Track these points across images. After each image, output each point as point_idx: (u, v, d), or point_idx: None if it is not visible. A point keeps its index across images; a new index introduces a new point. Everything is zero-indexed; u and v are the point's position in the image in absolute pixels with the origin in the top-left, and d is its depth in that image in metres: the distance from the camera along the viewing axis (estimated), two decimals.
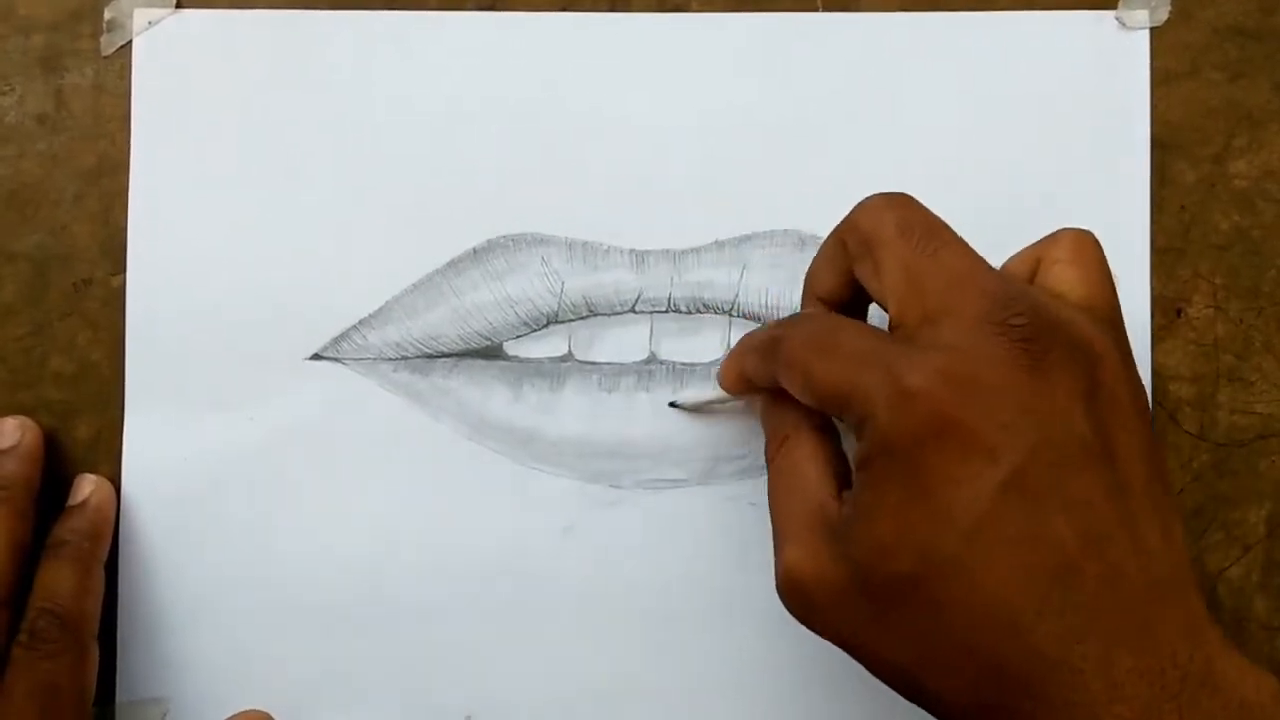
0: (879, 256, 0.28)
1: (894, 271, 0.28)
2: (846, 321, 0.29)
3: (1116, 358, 0.27)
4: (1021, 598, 0.25)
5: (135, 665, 0.35)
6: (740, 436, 0.35)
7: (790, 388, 0.29)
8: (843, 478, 0.29)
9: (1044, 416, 0.26)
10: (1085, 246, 0.30)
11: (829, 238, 0.30)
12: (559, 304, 0.35)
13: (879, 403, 0.26)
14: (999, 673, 0.25)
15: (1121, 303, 0.35)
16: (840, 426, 0.31)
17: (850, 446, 0.28)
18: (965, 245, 0.28)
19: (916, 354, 0.26)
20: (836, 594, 0.27)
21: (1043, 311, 0.27)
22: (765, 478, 0.35)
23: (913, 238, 0.28)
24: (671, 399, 0.35)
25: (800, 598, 0.28)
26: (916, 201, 0.29)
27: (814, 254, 0.35)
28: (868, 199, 0.30)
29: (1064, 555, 0.25)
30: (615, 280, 0.35)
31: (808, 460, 0.29)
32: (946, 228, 0.29)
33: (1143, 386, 0.28)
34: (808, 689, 0.35)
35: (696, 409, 0.35)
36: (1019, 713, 0.25)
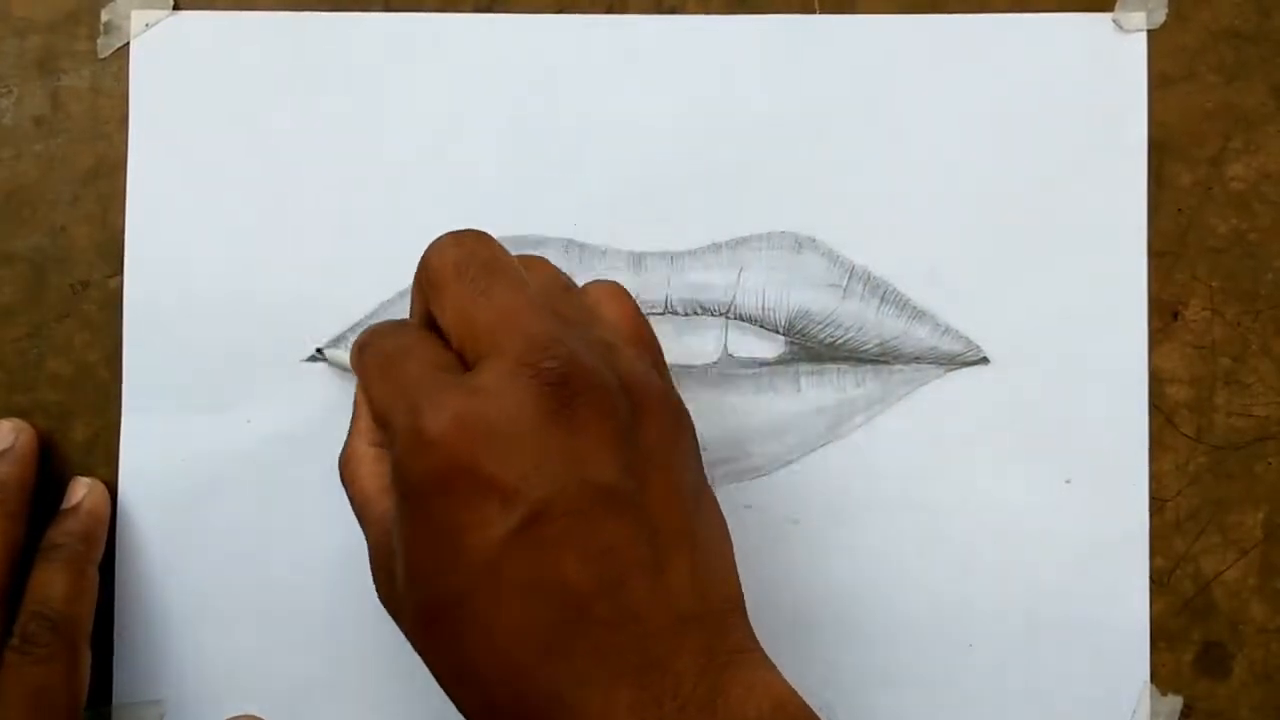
0: (440, 296, 0.28)
1: (450, 311, 0.28)
2: (421, 342, 0.29)
3: (656, 396, 0.28)
4: (526, 641, 0.25)
5: (132, 667, 0.35)
6: (735, 440, 0.35)
7: (362, 394, 0.31)
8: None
9: (567, 464, 0.26)
10: (616, 293, 0.31)
11: (415, 273, 0.30)
12: None
13: (399, 442, 0.27)
14: (505, 708, 0.26)
15: (1119, 306, 0.35)
16: None
17: None
18: (523, 284, 0.28)
19: (447, 395, 0.26)
20: (395, 601, 0.28)
21: (579, 356, 0.26)
22: (760, 480, 0.35)
23: (467, 276, 0.28)
24: (319, 347, 0.35)
25: (382, 598, 0.29)
26: (485, 238, 0.29)
27: (811, 256, 0.35)
28: (439, 237, 0.29)
29: (574, 601, 0.25)
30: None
31: (371, 475, 0.30)
32: (509, 266, 0.29)
33: (685, 413, 0.29)
34: (801, 688, 0.35)
35: (339, 367, 0.35)
36: None
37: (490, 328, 0.27)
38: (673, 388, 0.29)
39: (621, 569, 0.26)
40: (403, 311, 0.35)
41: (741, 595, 0.28)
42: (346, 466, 0.31)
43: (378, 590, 0.29)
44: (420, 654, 0.28)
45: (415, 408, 0.26)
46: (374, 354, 0.29)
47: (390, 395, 0.28)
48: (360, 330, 0.35)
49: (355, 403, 0.32)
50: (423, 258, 0.29)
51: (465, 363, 0.28)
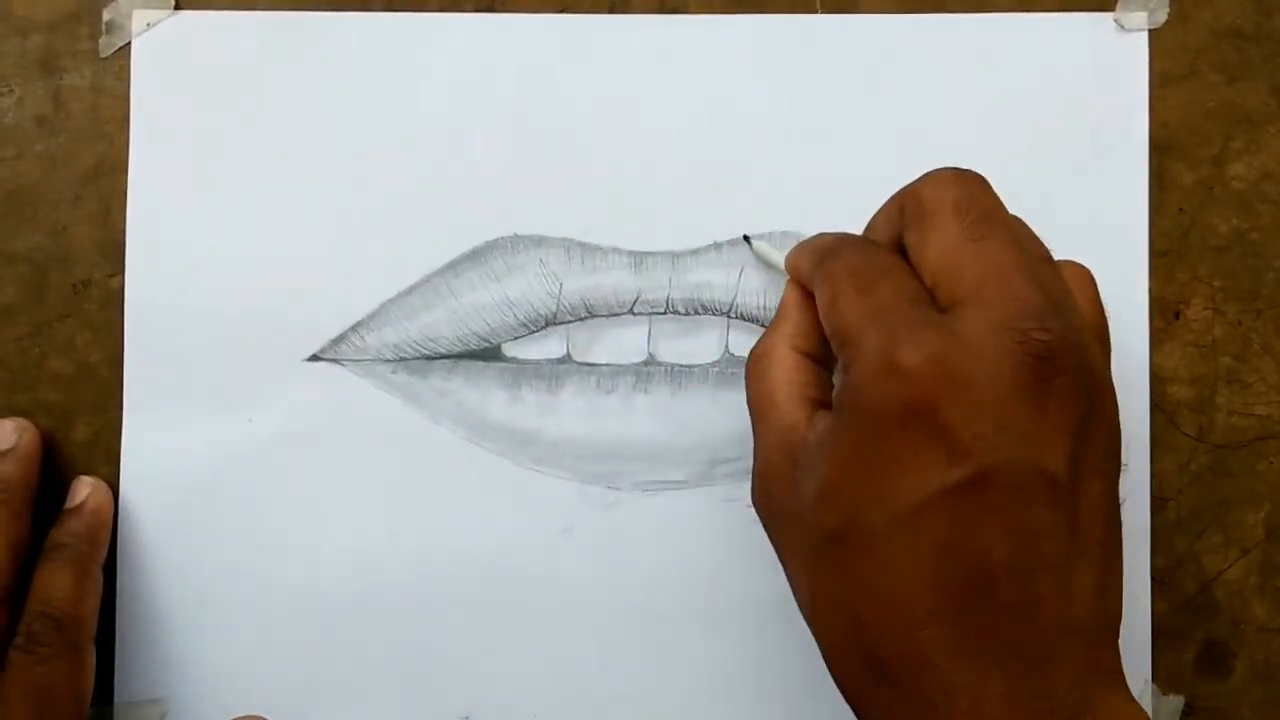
0: (926, 230, 0.28)
1: (935, 248, 0.27)
2: (896, 267, 0.28)
3: (1111, 401, 0.27)
4: (921, 597, 0.25)
5: (133, 666, 0.35)
6: (738, 439, 0.35)
7: (818, 302, 0.29)
8: (817, 399, 0.29)
9: (1023, 440, 0.25)
10: (1090, 281, 0.30)
11: (892, 197, 0.29)
12: (557, 305, 0.35)
13: (864, 363, 0.26)
14: (871, 652, 0.26)
15: (1120, 305, 0.35)
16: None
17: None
18: (1016, 239, 0.27)
19: (927, 332, 0.26)
20: (786, 514, 0.28)
21: (1069, 335, 0.26)
22: None
23: (965, 219, 0.27)
24: (747, 234, 0.35)
25: (761, 507, 0.29)
26: (986, 184, 0.28)
27: None
28: (938, 170, 0.29)
29: (984, 573, 0.25)
30: (614, 282, 0.35)
31: (784, 383, 0.29)
32: (1005, 217, 0.28)
33: (1119, 424, 0.28)
34: (805, 689, 0.35)
35: (763, 260, 0.35)
36: (877, 696, 0.26)
37: (979, 278, 0.26)
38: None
39: (1038, 558, 0.25)
40: (410, 308, 0.35)
41: (1120, 621, 0.28)
42: (759, 362, 0.30)
43: (755, 493, 0.29)
44: (792, 569, 0.28)
45: (891, 334, 0.26)
46: (845, 266, 0.28)
47: (862, 313, 0.27)
48: (359, 331, 0.35)
49: (784, 304, 0.31)
50: (914, 186, 0.29)
51: (936, 302, 0.27)
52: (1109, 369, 0.28)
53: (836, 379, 0.28)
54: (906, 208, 0.29)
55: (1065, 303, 0.27)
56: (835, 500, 0.26)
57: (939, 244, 0.27)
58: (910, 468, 0.25)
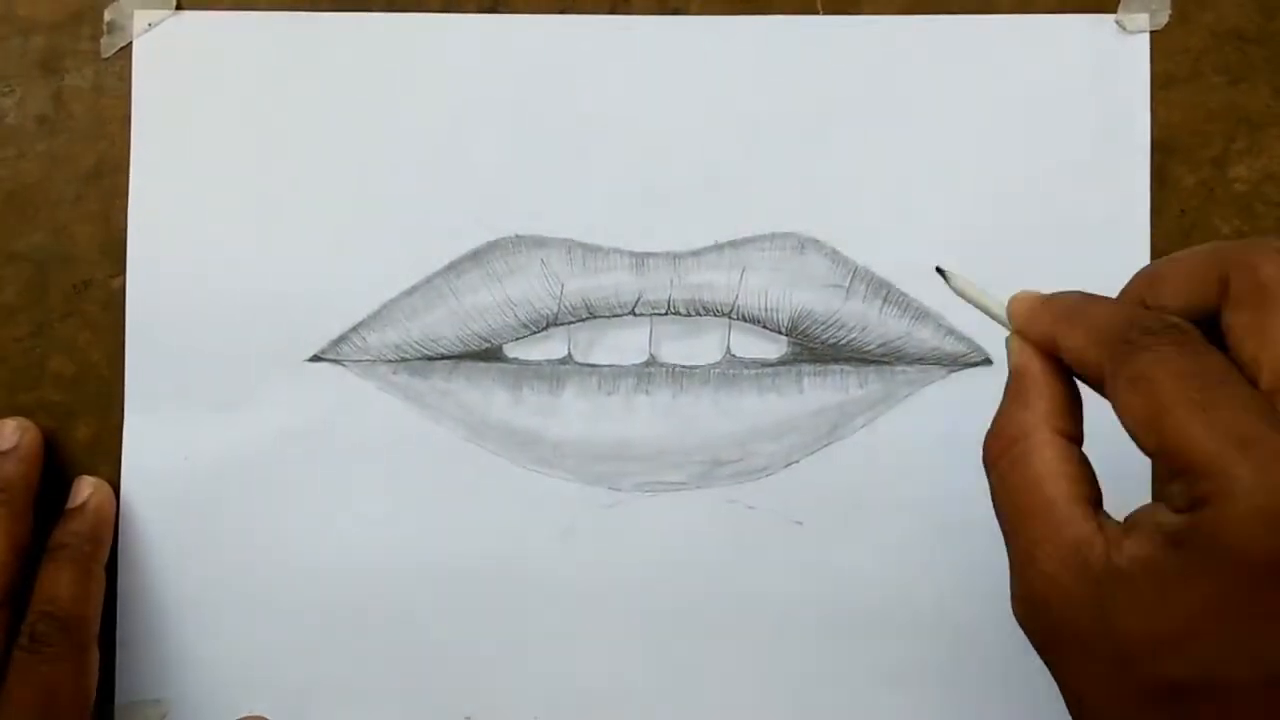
0: (1271, 317, 0.24)
1: None
2: (1232, 373, 0.24)
3: None
4: None
5: (134, 666, 0.35)
6: (738, 440, 0.35)
7: (1119, 406, 0.24)
8: (1094, 497, 0.26)
9: None
10: None
11: (1203, 253, 0.26)
12: (559, 306, 0.35)
13: (1243, 504, 0.22)
14: None
15: None
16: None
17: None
18: None
19: None
20: (1086, 640, 0.24)
21: None
22: (764, 481, 0.35)
23: None
24: (940, 267, 0.30)
25: (1042, 627, 0.25)
26: None
27: (813, 257, 0.35)
28: (1275, 241, 0.25)
29: None
30: (615, 283, 0.35)
31: (1053, 477, 0.25)
32: None
33: None
34: (805, 689, 0.35)
35: (962, 294, 0.30)
36: None
37: None
38: None
39: None
40: (411, 309, 0.35)
41: None
42: (1013, 446, 0.26)
43: (1024, 605, 0.26)
44: (1090, 703, 0.25)
45: (1270, 475, 0.22)
46: (1170, 370, 0.24)
47: (1216, 437, 0.22)
48: (360, 332, 0.35)
49: (1026, 372, 0.27)
50: (1247, 256, 0.25)
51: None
52: None
53: (1171, 493, 0.24)
54: (1236, 281, 0.25)
55: None
56: (1187, 650, 0.23)
57: None
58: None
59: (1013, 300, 0.28)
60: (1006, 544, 0.26)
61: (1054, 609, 0.25)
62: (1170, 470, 0.24)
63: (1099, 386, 0.26)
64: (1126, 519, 0.25)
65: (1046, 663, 0.26)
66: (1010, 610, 0.34)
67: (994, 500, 0.26)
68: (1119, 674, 0.24)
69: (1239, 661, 0.23)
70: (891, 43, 0.36)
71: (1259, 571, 0.22)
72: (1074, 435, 0.26)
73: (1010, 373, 0.27)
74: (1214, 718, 0.23)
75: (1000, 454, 0.26)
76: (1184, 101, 0.36)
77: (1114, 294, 0.36)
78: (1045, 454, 0.25)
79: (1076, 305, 0.27)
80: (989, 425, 0.27)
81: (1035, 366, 0.27)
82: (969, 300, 0.29)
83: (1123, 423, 0.24)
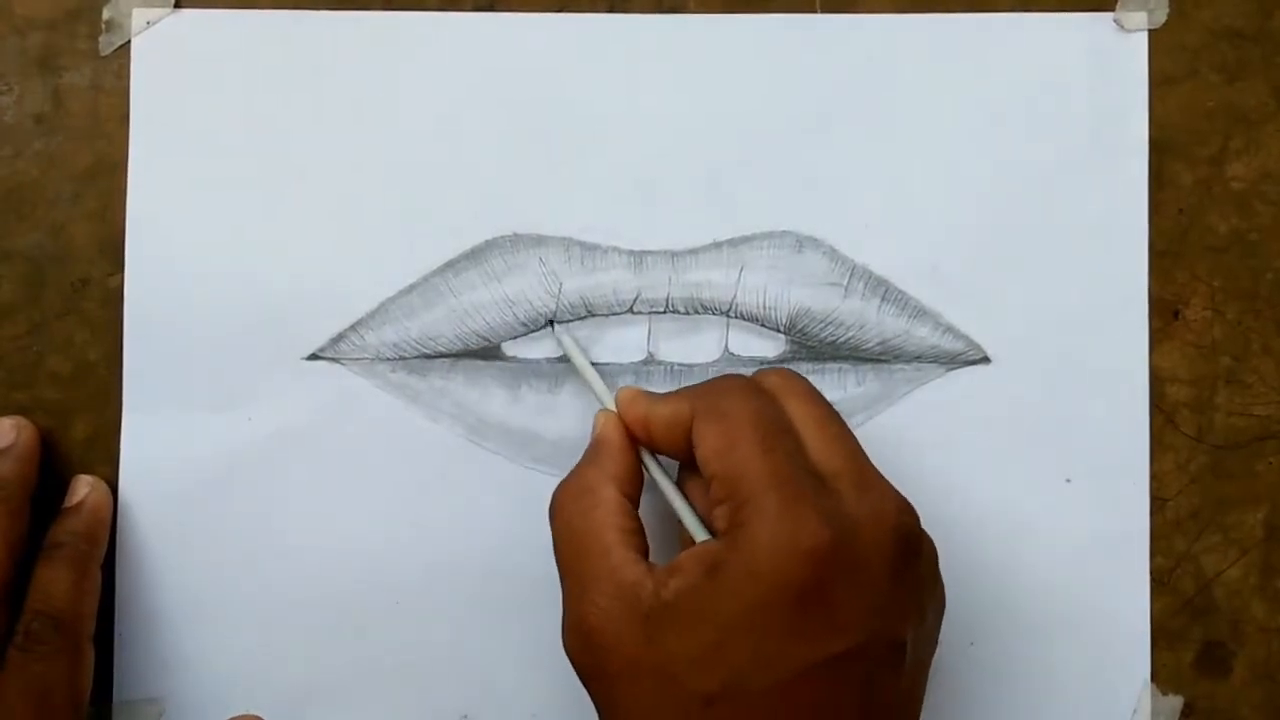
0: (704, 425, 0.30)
1: (817, 437, 0.30)
2: (791, 430, 0.30)
3: (941, 584, 0.31)
4: None
5: (132, 665, 0.35)
6: None
7: (698, 435, 0.30)
8: (643, 548, 0.30)
9: (889, 616, 0.28)
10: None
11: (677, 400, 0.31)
12: (557, 304, 0.35)
13: (766, 533, 0.27)
14: None
15: (1119, 305, 0.36)
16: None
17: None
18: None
19: (827, 514, 0.27)
20: (634, 670, 0.28)
21: (917, 518, 0.30)
22: None
23: (823, 404, 0.31)
24: (553, 320, 0.35)
25: (592, 660, 0.29)
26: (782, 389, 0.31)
27: (812, 255, 0.35)
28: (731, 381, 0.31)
29: None
30: (613, 281, 0.35)
31: (613, 527, 0.30)
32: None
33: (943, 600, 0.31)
34: None
35: (574, 363, 0.34)
36: None
37: (853, 460, 0.29)
38: None
39: (887, 713, 0.28)
40: (410, 307, 0.35)
41: None
42: (580, 499, 0.31)
43: (578, 643, 0.29)
44: (633, 717, 0.28)
45: (796, 511, 0.27)
46: (748, 412, 0.29)
47: (764, 472, 0.28)
48: (358, 330, 0.35)
49: (605, 439, 0.32)
50: (759, 377, 0.32)
51: (818, 475, 0.29)
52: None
53: (716, 516, 0.29)
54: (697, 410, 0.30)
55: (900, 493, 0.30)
56: (714, 663, 0.27)
57: (826, 436, 0.30)
58: (795, 638, 0.27)
59: (620, 390, 0.33)
60: (562, 581, 0.30)
61: (607, 640, 0.28)
62: (723, 495, 0.28)
63: (674, 449, 0.31)
64: (670, 564, 0.29)
65: (592, 692, 0.29)
66: (1009, 607, 0.34)
67: (555, 542, 0.31)
68: (662, 693, 0.28)
69: (756, 670, 0.27)
70: (889, 41, 0.36)
71: (776, 589, 0.27)
72: (633, 496, 0.31)
73: (592, 441, 0.32)
74: (717, 714, 0.27)
75: (569, 501, 0.31)
76: (1182, 100, 0.36)
77: (1113, 293, 0.36)
78: (609, 507, 0.30)
79: (655, 398, 0.32)
80: (563, 479, 0.32)
81: (612, 435, 0.32)
82: (576, 364, 0.34)
83: (696, 450, 0.29)
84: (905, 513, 0.29)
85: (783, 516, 0.27)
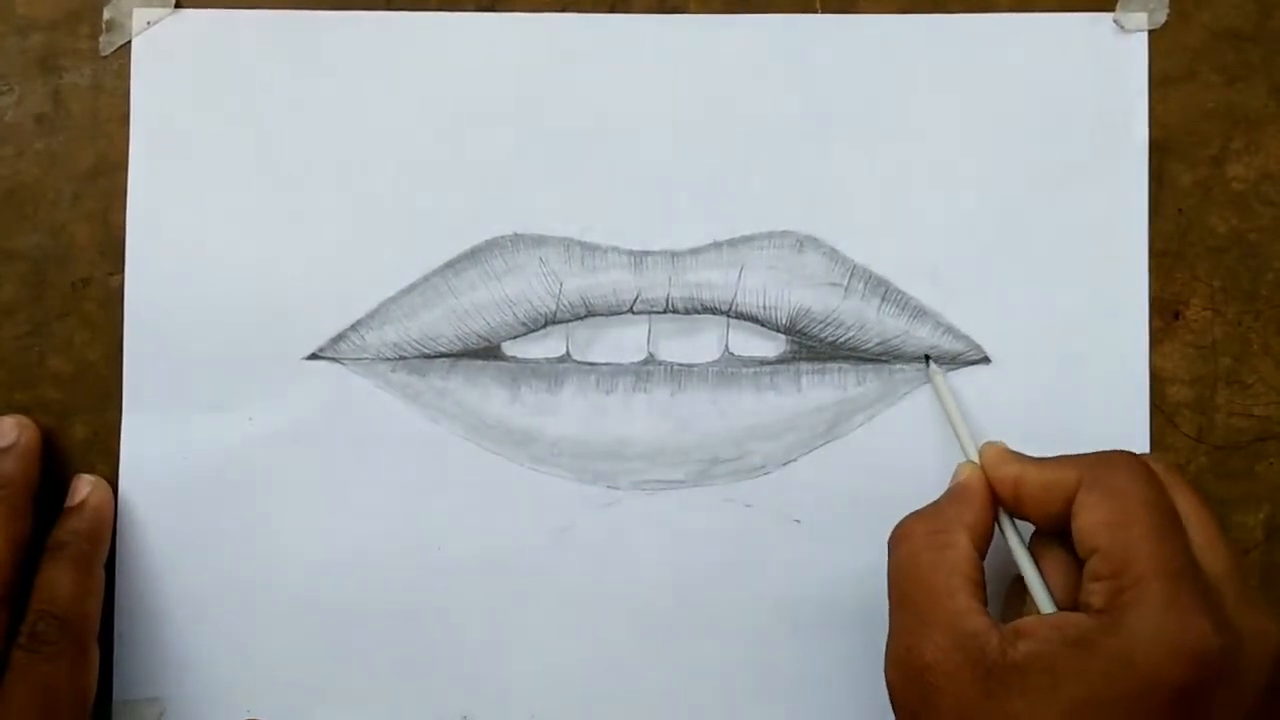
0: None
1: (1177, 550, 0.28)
2: (1181, 525, 0.29)
3: None
4: None
5: (132, 665, 0.35)
6: (736, 438, 0.35)
7: (1087, 503, 0.29)
8: (986, 602, 0.29)
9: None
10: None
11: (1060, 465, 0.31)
12: (557, 304, 0.35)
13: (1152, 627, 0.26)
14: None
15: (1119, 305, 0.36)
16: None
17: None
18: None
19: (1218, 622, 0.27)
20: (960, 712, 0.28)
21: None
22: (762, 479, 0.35)
23: (1207, 503, 0.30)
24: (934, 367, 0.35)
25: (917, 695, 0.28)
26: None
27: (812, 255, 0.35)
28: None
29: None
30: (613, 281, 0.35)
31: (963, 572, 0.29)
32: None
33: None
34: (803, 688, 0.35)
35: (941, 397, 0.34)
36: None
37: (1236, 566, 0.28)
38: None
39: None
40: (410, 307, 0.35)
41: None
42: (933, 536, 0.30)
43: (902, 675, 0.29)
44: None
45: (1187, 608, 0.26)
46: (1141, 497, 0.28)
47: (1157, 557, 0.27)
48: (358, 330, 0.35)
49: (967, 488, 0.31)
50: (1147, 460, 0.30)
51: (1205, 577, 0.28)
52: None
53: (1091, 590, 0.28)
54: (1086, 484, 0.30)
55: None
56: None
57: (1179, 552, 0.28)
58: None
59: (987, 446, 0.32)
60: (895, 610, 0.30)
61: (940, 681, 0.28)
62: (1106, 572, 0.28)
63: (1041, 514, 0.30)
64: (1014, 625, 0.28)
65: (904, 712, 0.29)
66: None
67: (895, 570, 0.30)
68: None
69: None
70: (890, 42, 0.36)
71: (1147, 686, 0.26)
72: (983, 551, 0.30)
73: (955, 485, 0.32)
74: None
75: (923, 533, 0.30)
76: (1182, 100, 0.36)
77: (1113, 293, 0.36)
78: (962, 552, 0.29)
79: (1041, 470, 0.31)
80: (914, 514, 0.31)
81: (975, 486, 0.31)
82: (947, 413, 0.34)
83: (1077, 519, 0.29)
84: (1278, 629, 0.28)
85: (1172, 611, 0.26)
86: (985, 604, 0.29)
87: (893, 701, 0.29)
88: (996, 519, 0.31)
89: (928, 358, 0.35)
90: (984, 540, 0.31)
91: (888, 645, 0.30)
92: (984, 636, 0.28)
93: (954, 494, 0.31)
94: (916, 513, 0.31)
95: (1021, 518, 0.31)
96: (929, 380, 0.35)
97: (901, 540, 0.31)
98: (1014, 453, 0.32)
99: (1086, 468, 0.30)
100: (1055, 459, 0.31)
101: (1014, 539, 0.31)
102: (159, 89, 0.35)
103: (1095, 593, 0.28)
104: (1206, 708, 0.26)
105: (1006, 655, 0.27)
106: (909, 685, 0.29)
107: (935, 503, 0.31)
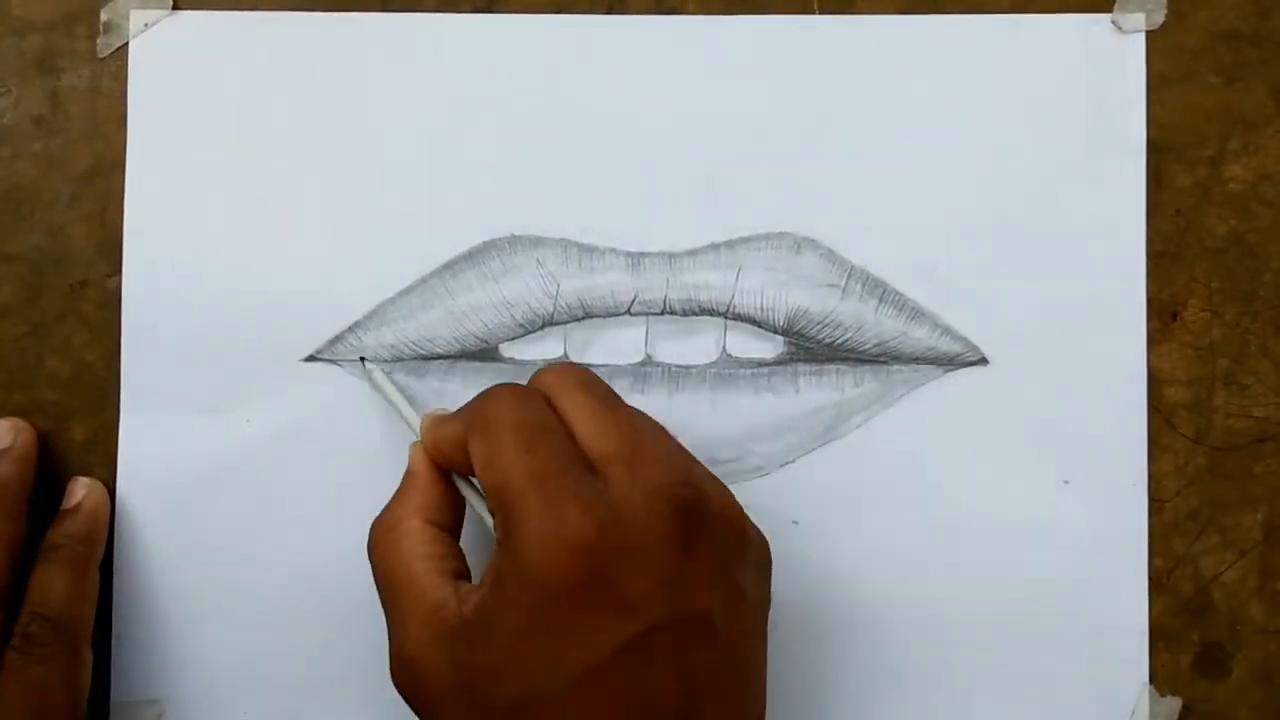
0: (564, 399, 0.30)
1: (581, 413, 0.29)
2: (556, 426, 0.29)
3: (753, 538, 0.30)
4: None
5: (130, 667, 0.35)
6: (734, 440, 0.35)
7: (475, 455, 0.29)
8: (457, 571, 0.30)
9: (681, 589, 0.27)
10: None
11: (536, 378, 0.31)
12: (554, 306, 0.35)
13: (532, 533, 0.27)
14: None
15: (1117, 306, 0.36)
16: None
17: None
18: (636, 413, 0.30)
19: (590, 502, 0.27)
20: (447, 695, 0.28)
21: (707, 488, 0.29)
22: (760, 480, 0.35)
23: (596, 392, 0.30)
24: (369, 368, 0.35)
25: (413, 690, 0.29)
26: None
27: (809, 256, 0.35)
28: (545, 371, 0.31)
29: (659, 717, 0.27)
30: (611, 282, 0.35)
31: (420, 557, 0.30)
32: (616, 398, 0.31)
33: (768, 552, 0.31)
34: (801, 688, 0.35)
35: (384, 398, 0.34)
36: None
37: (626, 441, 0.29)
38: (754, 525, 0.30)
39: (703, 695, 0.27)
40: (407, 309, 0.35)
41: None
42: (388, 535, 0.30)
43: (400, 675, 0.29)
44: None
45: (557, 506, 0.27)
46: (508, 419, 0.29)
47: (524, 474, 0.28)
48: (356, 332, 0.35)
49: (412, 473, 0.31)
50: (535, 377, 0.31)
51: (587, 465, 0.28)
52: (740, 508, 0.30)
53: (496, 525, 0.28)
54: (540, 383, 0.31)
55: (691, 457, 0.30)
56: (510, 673, 0.27)
57: (581, 409, 0.29)
58: (583, 631, 0.27)
59: (423, 417, 0.32)
60: (387, 617, 0.30)
61: (421, 668, 0.28)
62: (495, 504, 0.28)
63: (466, 467, 0.30)
64: (466, 585, 0.29)
65: (420, 716, 0.29)
66: (1008, 609, 0.34)
67: (374, 576, 0.30)
68: (470, 713, 0.27)
69: (548, 672, 0.27)
70: (887, 42, 0.36)
71: (550, 588, 0.27)
72: (444, 524, 0.31)
73: (405, 475, 0.32)
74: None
75: (379, 539, 0.30)
76: (1180, 101, 0.36)
77: (1111, 294, 0.36)
78: (416, 537, 0.30)
79: (483, 396, 0.31)
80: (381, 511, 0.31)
81: (419, 468, 0.31)
82: (386, 399, 0.34)
83: (473, 463, 0.29)
84: (684, 484, 0.28)
85: (544, 516, 0.27)
86: (462, 575, 0.30)
87: (411, 708, 0.29)
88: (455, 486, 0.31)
89: (363, 359, 0.35)
90: (444, 513, 0.31)
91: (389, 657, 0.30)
92: (444, 605, 0.28)
93: (401, 484, 0.32)
94: (374, 520, 0.31)
95: (462, 474, 0.31)
96: (367, 377, 0.35)
97: (369, 551, 0.31)
98: (440, 416, 0.32)
99: (468, 410, 0.30)
100: (456, 410, 0.31)
101: (471, 496, 0.31)
102: (156, 91, 0.35)
103: (497, 527, 0.28)
104: (608, 587, 0.27)
105: (461, 614, 0.28)
106: (405, 685, 0.29)
107: (389, 501, 0.32)
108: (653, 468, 0.28)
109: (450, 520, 0.31)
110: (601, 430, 0.29)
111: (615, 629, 0.27)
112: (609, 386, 0.31)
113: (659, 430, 0.30)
